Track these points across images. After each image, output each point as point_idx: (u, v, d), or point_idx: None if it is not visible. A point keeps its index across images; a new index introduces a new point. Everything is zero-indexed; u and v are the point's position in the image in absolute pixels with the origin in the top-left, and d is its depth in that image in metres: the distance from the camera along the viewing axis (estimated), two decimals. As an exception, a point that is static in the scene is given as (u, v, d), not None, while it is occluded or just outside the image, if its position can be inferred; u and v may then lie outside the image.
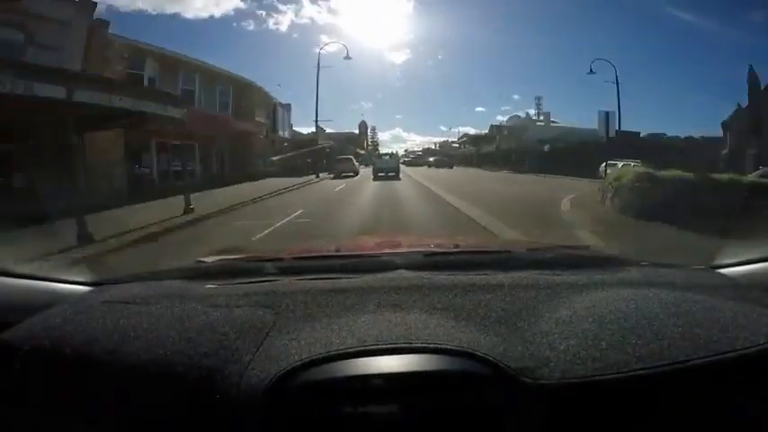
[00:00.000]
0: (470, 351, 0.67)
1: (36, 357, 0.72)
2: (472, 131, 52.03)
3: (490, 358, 0.66)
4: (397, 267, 1.03)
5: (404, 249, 1.35)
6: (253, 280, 1.00)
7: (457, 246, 1.38)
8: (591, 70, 21.37)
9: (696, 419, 0.66)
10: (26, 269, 0.96)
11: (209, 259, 1.31)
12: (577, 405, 0.65)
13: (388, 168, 21.21)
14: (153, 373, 0.68)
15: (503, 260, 1.14)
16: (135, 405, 0.68)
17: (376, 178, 19.94)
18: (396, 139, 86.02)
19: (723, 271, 1.05)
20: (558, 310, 0.80)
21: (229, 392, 0.65)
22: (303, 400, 0.64)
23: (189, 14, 66.68)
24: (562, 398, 0.64)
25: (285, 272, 1.06)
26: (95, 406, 0.69)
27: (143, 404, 0.68)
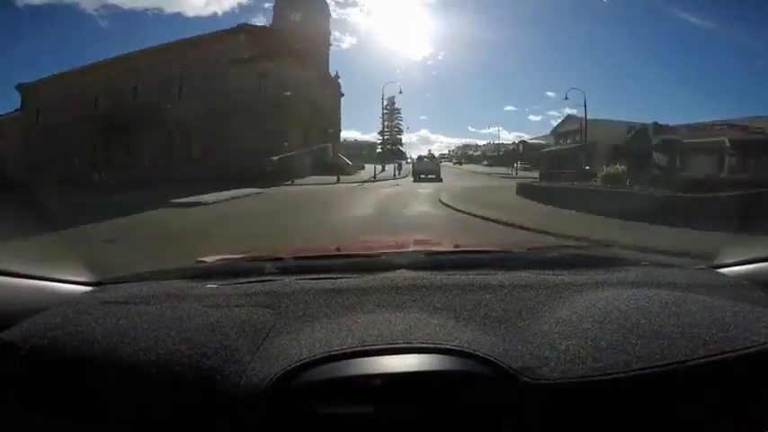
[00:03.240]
0: (470, 351, 0.67)
1: (36, 357, 0.72)
2: (503, 133, 52.81)
3: (490, 358, 0.66)
4: (397, 267, 1.03)
5: (404, 249, 1.35)
6: (253, 280, 1.00)
7: (457, 245, 1.38)
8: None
9: (696, 419, 0.66)
10: (26, 269, 0.96)
11: (210, 259, 1.31)
12: (578, 405, 0.65)
13: (428, 170, 22.57)
14: (153, 374, 0.68)
15: (503, 260, 1.14)
16: (135, 405, 0.68)
17: (416, 180, 21.64)
18: (423, 141, 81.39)
19: (723, 271, 1.05)
20: (558, 310, 0.80)
21: (229, 392, 0.65)
22: (303, 400, 0.64)
23: (190, 13, 61.27)
24: (562, 397, 0.64)
25: (285, 272, 1.06)
26: (95, 406, 0.69)
27: (143, 404, 0.68)
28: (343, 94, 30.89)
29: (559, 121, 36.23)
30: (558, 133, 36.09)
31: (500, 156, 43.01)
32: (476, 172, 31.84)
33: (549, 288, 0.89)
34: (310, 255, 1.29)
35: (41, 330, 0.77)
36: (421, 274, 0.98)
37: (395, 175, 24.03)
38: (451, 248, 1.34)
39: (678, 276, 1.01)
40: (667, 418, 0.65)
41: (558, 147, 34.54)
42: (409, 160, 39.43)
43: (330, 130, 26.92)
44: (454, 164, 44.69)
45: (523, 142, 41.48)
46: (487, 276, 0.96)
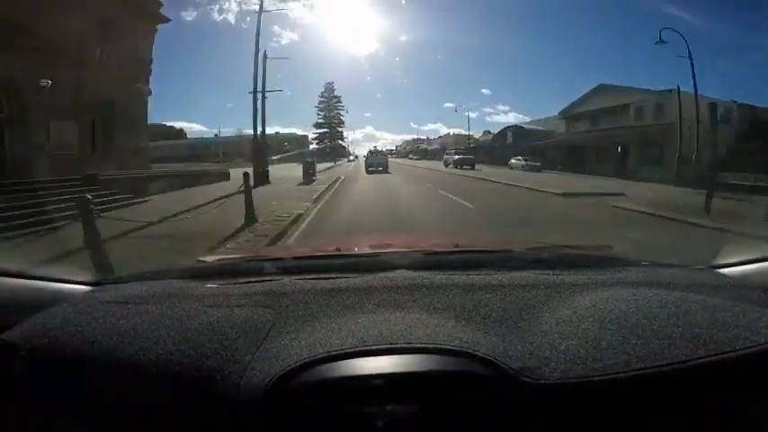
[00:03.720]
0: (471, 351, 0.67)
1: (36, 357, 0.72)
2: (444, 129, 45.30)
3: (490, 358, 0.66)
4: (396, 267, 1.03)
5: (404, 249, 1.35)
6: (253, 280, 1.00)
7: (457, 245, 1.38)
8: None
9: (696, 419, 0.66)
10: (26, 269, 0.96)
11: (210, 259, 1.31)
12: (578, 405, 0.65)
13: (378, 163, 24.15)
14: (153, 374, 0.68)
15: (503, 260, 1.14)
16: (135, 405, 0.68)
17: (368, 172, 22.30)
18: (368, 138, 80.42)
19: (723, 271, 1.05)
20: (558, 310, 0.80)
21: (229, 392, 0.65)
22: (303, 400, 0.64)
23: None
24: (562, 398, 0.64)
25: (285, 272, 1.06)
26: (95, 406, 0.69)
27: (143, 404, 0.68)
28: (167, 20, 14.31)
29: (570, 101, 23.61)
30: (573, 114, 23.34)
31: (470, 149, 29.66)
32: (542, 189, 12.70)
33: (549, 288, 0.89)
34: (310, 255, 1.29)
35: (41, 330, 0.77)
36: (421, 274, 0.98)
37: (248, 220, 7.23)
38: (451, 248, 1.34)
39: (678, 276, 1.01)
40: (667, 419, 0.65)
41: (596, 131, 21.30)
42: (352, 157, 35.11)
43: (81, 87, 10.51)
44: (457, 163, 24.76)
45: (516, 127, 29.33)
46: (487, 276, 0.96)
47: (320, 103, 34.08)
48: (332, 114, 35.23)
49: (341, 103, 35.41)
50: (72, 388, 0.70)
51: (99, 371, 0.70)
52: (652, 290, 0.87)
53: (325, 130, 35.12)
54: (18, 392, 0.72)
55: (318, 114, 34.61)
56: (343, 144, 37.94)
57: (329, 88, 34.60)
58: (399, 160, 30.28)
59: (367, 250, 1.41)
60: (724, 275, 1.02)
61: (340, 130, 35.94)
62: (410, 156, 42.85)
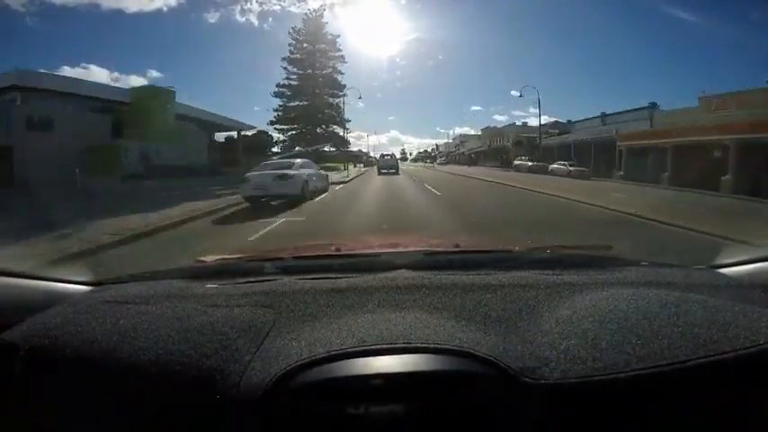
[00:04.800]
0: (471, 351, 0.67)
1: (36, 357, 0.72)
2: (472, 133, 43.56)
3: (490, 358, 0.66)
4: (397, 267, 1.03)
5: (404, 249, 1.35)
6: (253, 280, 1.00)
7: (457, 245, 1.38)
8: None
9: (696, 419, 0.66)
10: (26, 269, 0.96)
11: (209, 259, 1.31)
12: (578, 405, 0.65)
13: (389, 166, 26.83)
14: (153, 374, 0.68)
15: (503, 260, 1.14)
16: (135, 405, 0.68)
17: (380, 174, 24.47)
18: (393, 142, 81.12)
19: (723, 271, 1.05)
20: (558, 310, 0.80)
21: (229, 392, 0.65)
22: (303, 400, 0.64)
23: (132, 8, 55.86)
24: (562, 397, 0.64)
25: (285, 272, 1.06)
26: (95, 406, 0.69)
27: (143, 404, 0.68)
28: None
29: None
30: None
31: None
32: None
33: (549, 288, 0.89)
34: (310, 255, 1.29)
35: (41, 330, 0.77)
36: (421, 274, 0.98)
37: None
38: (451, 248, 1.34)
39: (678, 276, 1.01)
40: (667, 418, 0.65)
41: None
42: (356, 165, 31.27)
43: None
44: None
45: None
46: (487, 276, 0.96)
47: (294, 50, 15.60)
48: (315, 73, 16.41)
49: (341, 51, 17.43)
50: (72, 388, 0.70)
51: (99, 371, 0.70)
52: (652, 290, 0.87)
53: (303, 101, 16.63)
54: (18, 392, 0.72)
55: (289, 73, 16.00)
56: (340, 132, 20.56)
57: (315, 20, 15.88)
58: (481, 175, 16.02)
59: (367, 250, 1.41)
60: (724, 275, 1.02)
61: (334, 103, 17.63)
62: (521, 158, 23.18)
